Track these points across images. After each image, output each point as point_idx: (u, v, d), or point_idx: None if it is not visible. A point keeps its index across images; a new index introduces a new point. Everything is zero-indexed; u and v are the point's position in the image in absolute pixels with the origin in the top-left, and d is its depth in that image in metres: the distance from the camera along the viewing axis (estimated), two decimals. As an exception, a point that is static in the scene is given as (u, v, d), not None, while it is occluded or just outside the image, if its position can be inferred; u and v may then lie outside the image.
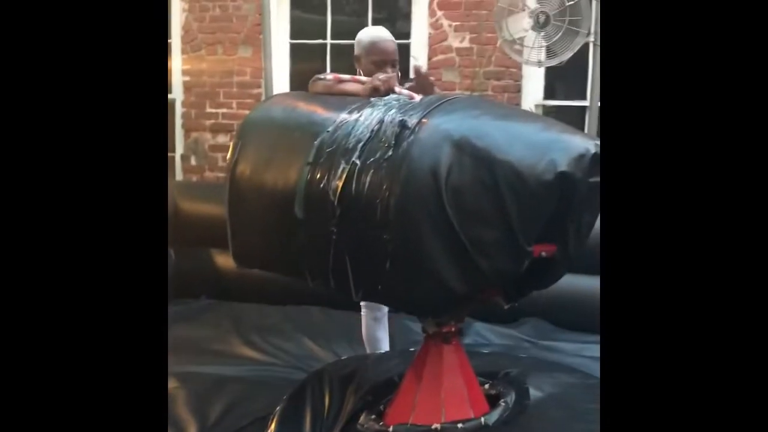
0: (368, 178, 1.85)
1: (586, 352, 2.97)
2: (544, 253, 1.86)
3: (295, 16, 4.43)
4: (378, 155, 1.87)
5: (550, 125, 1.89)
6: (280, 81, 4.33)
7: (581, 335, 3.13)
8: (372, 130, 1.92)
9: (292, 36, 4.41)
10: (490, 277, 1.80)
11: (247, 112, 4.46)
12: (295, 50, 4.40)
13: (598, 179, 1.78)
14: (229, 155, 2.21)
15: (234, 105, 4.41)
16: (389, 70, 2.42)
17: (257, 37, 4.25)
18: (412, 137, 1.84)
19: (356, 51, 2.56)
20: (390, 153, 1.85)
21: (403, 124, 1.87)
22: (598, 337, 3.04)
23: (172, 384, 2.60)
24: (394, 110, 1.94)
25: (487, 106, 1.88)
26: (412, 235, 1.78)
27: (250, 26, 4.33)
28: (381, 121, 1.93)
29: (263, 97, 4.33)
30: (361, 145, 1.91)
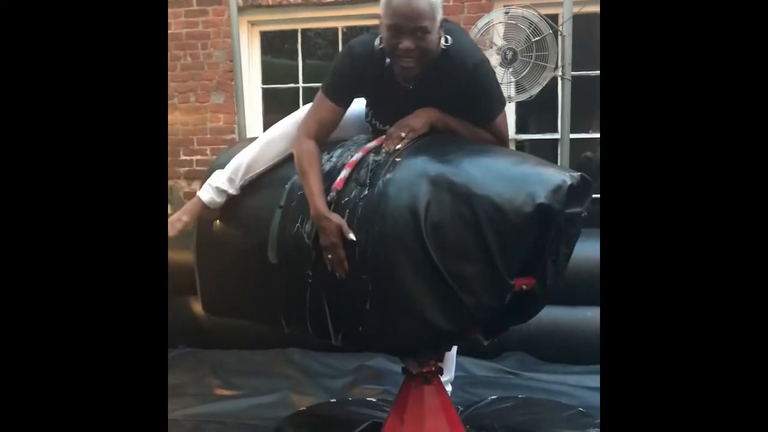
0: (344, 219, 1.85)
1: (568, 381, 2.96)
2: (524, 287, 1.87)
3: (266, 61, 4.46)
4: (353, 195, 1.87)
5: (524, 159, 1.91)
6: (254, 126, 4.34)
7: (563, 366, 3.12)
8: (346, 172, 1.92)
9: (264, 81, 4.44)
10: (474, 312, 1.79)
11: (221, 157, 4.49)
12: (267, 95, 4.43)
13: (574, 210, 1.80)
14: None
15: (208, 152, 4.41)
16: (410, 40, 1.82)
17: (229, 83, 4.28)
18: (387, 176, 1.84)
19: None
20: (366, 192, 1.85)
21: (378, 165, 1.88)
22: (579, 368, 3.07)
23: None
24: (367, 150, 1.95)
25: (460, 143, 1.90)
26: (392, 274, 1.78)
27: (222, 73, 4.36)
28: (354, 162, 1.93)
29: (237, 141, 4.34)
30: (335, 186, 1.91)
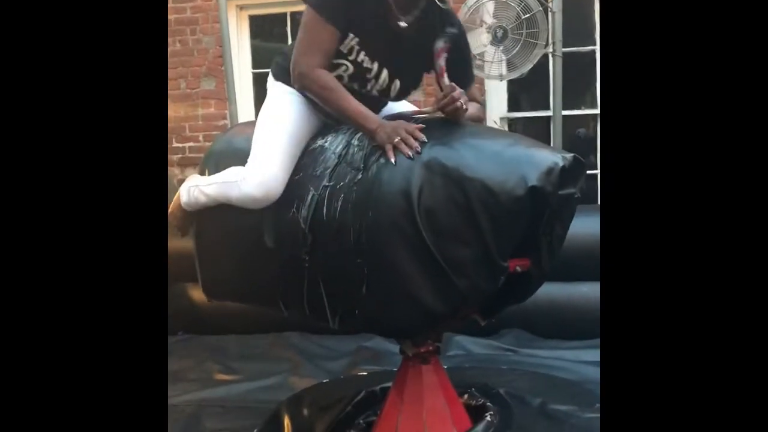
0: (339, 204, 1.86)
1: (566, 357, 3.00)
2: (518, 268, 1.88)
3: (256, 45, 4.44)
4: (347, 180, 1.87)
5: (517, 141, 1.91)
6: (245, 111, 4.33)
7: (561, 342, 3.16)
8: (339, 155, 1.92)
9: (254, 66, 4.42)
10: (468, 295, 1.81)
11: (213, 143, 4.49)
12: (258, 79, 4.42)
13: (568, 191, 1.81)
14: None
15: (201, 138, 4.40)
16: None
17: (219, 69, 4.26)
18: (381, 160, 1.84)
19: None
20: (359, 177, 1.86)
21: (372, 148, 1.87)
22: (576, 342, 3.10)
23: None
24: (360, 133, 1.95)
25: (452, 126, 1.90)
26: (387, 259, 1.79)
27: (212, 59, 4.34)
28: (348, 145, 1.93)
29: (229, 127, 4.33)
30: (329, 170, 1.91)
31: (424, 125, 1.87)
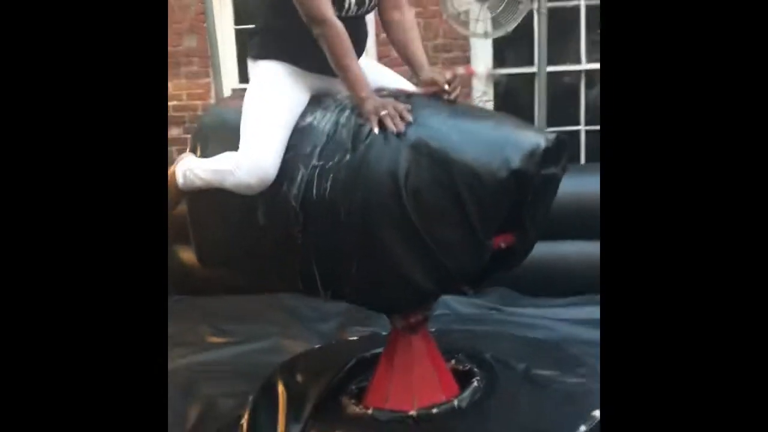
0: (329, 183, 1.90)
1: (548, 315, 3.10)
2: (503, 244, 1.94)
3: (238, 0, 4.37)
4: (336, 159, 1.90)
5: (502, 121, 1.94)
6: (228, 68, 4.29)
7: (544, 300, 3.25)
8: (328, 135, 1.94)
9: (237, 22, 4.36)
10: (456, 273, 1.88)
11: (197, 102, 4.45)
12: (240, 36, 4.36)
13: (550, 171, 1.86)
14: None
15: (184, 96, 4.37)
16: None
17: (201, 26, 4.20)
18: (368, 140, 1.87)
19: None
20: (348, 156, 1.89)
21: (360, 127, 1.90)
22: (559, 300, 3.19)
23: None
24: (347, 111, 1.97)
25: (439, 105, 1.92)
26: (376, 238, 1.84)
27: (194, 15, 4.27)
28: (336, 123, 1.96)
29: (212, 87, 4.30)
30: (318, 149, 1.93)
31: (410, 106, 1.89)
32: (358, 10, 2.01)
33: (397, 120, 1.84)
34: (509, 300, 3.28)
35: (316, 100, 2.06)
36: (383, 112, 1.85)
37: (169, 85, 4.39)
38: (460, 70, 1.98)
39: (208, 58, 4.13)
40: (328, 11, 1.88)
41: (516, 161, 1.76)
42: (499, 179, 1.77)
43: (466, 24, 3.63)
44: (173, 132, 4.41)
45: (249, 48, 2.10)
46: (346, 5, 1.97)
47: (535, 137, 1.82)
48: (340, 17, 1.92)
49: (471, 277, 1.93)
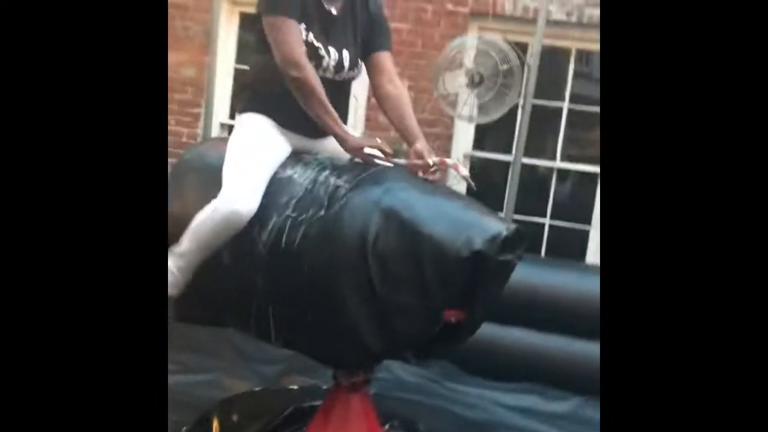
0: (299, 235, 1.99)
1: (487, 397, 3.17)
2: (453, 319, 2.04)
3: (243, 38, 4.51)
4: (310, 213, 2.00)
5: (470, 205, 2.07)
6: (221, 103, 4.39)
7: (485, 381, 3.32)
8: (306, 189, 2.05)
9: (238, 60, 4.49)
10: (406, 338, 1.97)
11: (184, 130, 4.53)
12: (239, 75, 4.48)
13: (506, 258, 1.98)
14: None
15: (173, 122, 4.44)
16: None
17: (202, 58, 4.31)
18: (344, 200, 1.98)
19: None
20: (322, 213, 1.99)
21: (337, 188, 2.01)
22: (500, 384, 3.25)
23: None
24: (327, 171, 2.08)
25: (416, 180, 2.05)
26: (335, 294, 1.93)
27: (197, 47, 4.40)
28: (314, 181, 2.06)
29: (202, 117, 4.39)
30: (294, 201, 2.03)
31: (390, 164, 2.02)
32: (335, 73, 2.16)
33: (381, 156, 2.03)
34: (451, 375, 3.34)
35: (298, 157, 2.17)
36: (367, 150, 2.01)
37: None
38: (450, 161, 2.12)
39: (202, 89, 4.23)
40: (302, 56, 2.03)
41: (478, 243, 1.88)
42: (461, 258, 1.89)
43: (453, 105, 3.81)
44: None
45: (238, 101, 2.23)
46: (324, 64, 2.13)
47: (497, 225, 1.95)
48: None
49: (418, 345, 2.02)
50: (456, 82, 3.70)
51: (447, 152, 4.24)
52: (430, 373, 3.32)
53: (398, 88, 2.24)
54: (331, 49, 2.15)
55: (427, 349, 2.12)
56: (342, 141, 2.08)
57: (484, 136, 4.45)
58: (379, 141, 2.11)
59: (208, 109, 3.96)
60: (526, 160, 4.05)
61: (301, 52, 2.04)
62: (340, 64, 2.17)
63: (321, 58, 2.13)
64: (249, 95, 2.20)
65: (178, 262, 2.07)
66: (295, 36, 2.05)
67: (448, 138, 4.28)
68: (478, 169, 4.43)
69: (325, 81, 2.10)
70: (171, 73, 4.37)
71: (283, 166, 2.12)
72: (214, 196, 2.03)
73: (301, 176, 2.08)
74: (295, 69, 2.03)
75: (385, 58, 2.25)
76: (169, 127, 4.42)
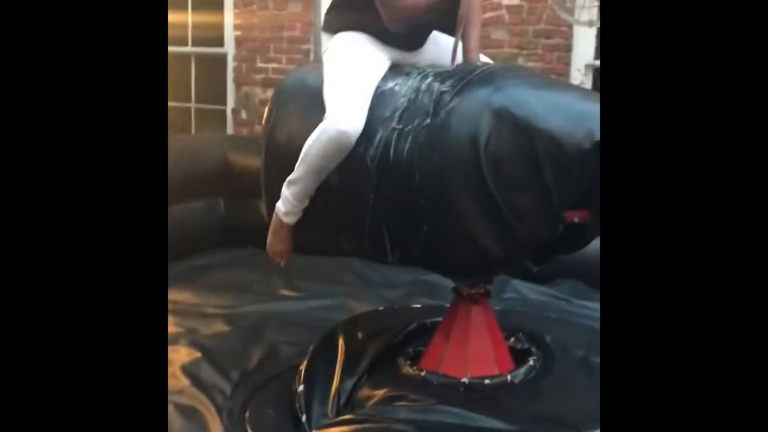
0: (407, 146, 1.92)
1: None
2: (576, 219, 1.92)
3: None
4: (416, 123, 1.93)
5: (587, 95, 1.93)
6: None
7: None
8: (409, 99, 1.97)
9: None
10: (526, 242, 1.88)
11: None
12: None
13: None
14: (264, 121, 2.25)
15: (284, 60, 4.48)
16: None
17: (307, -9, 4.30)
18: (450, 105, 1.89)
19: None
20: (428, 121, 1.91)
21: (442, 94, 1.92)
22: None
23: (218, 326, 2.82)
24: (430, 78, 1.99)
25: (525, 75, 1.93)
26: (450, 201, 1.86)
27: (301, -19, 4.38)
28: (417, 90, 1.98)
29: (312, 53, 4.39)
30: (398, 113, 1.96)
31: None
32: None
33: None
34: (581, 293, 3.22)
35: (398, 68, 2.09)
36: None
37: (270, 47, 4.52)
38: None
39: (310, 24, 4.23)
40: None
41: (600, 134, 1.74)
42: (582, 150, 1.76)
43: (571, 11, 3.56)
44: (270, 94, 4.54)
45: (325, 21, 2.15)
46: None
47: (620, 113, 1.79)
48: None
49: (540, 249, 1.93)
50: (571, -16, 3.45)
51: (566, 65, 4.01)
52: (559, 292, 3.21)
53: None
54: None
55: (548, 253, 2.02)
56: None
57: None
58: None
59: (317, 44, 3.96)
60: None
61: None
62: None
63: None
64: (338, 14, 2.12)
65: (292, 188, 2.06)
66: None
67: (567, 49, 4.04)
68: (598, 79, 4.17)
69: None
70: (278, 11, 4.39)
71: (384, 79, 2.05)
72: (319, 119, 2.00)
73: (403, 87, 2.01)
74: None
75: None
76: (282, 66, 4.48)
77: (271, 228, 2.18)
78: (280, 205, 2.10)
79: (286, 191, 2.08)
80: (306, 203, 2.08)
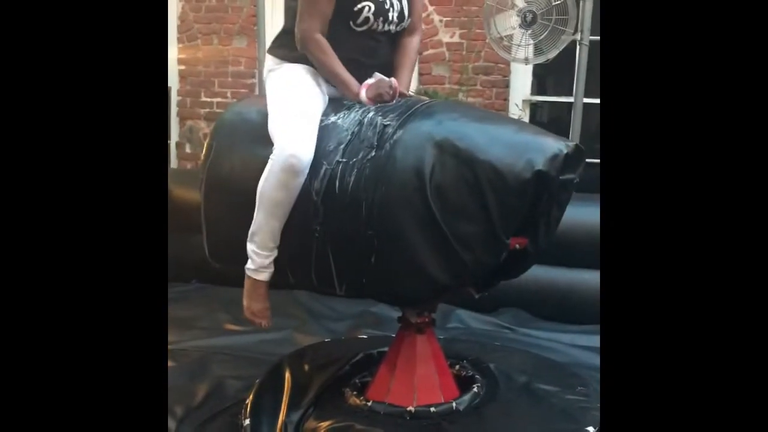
0: (352, 178, 1.95)
1: (561, 339, 3.10)
2: (518, 246, 1.98)
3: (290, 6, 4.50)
4: (360, 156, 1.96)
5: (524, 127, 2.01)
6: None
7: (558, 324, 3.25)
8: (352, 132, 2.01)
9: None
10: (472, 268, 1.92)
11: (241, 100, 4.59)
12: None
13: (568, 177, 1.91)
14: (203, 155, 2.23)
15: (228, 94, 4.50)
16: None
17: (252, 27, 4.34)
18: (394, 138, 1.94)
19: None
20: (373, 153, 1.95)
21: (385, 127, 1.97)
22: (573, 327, 3.18)
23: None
24: (372, 112, 2.04)
25: (464, 110, 2.00)
26: (397, 231, 1.89)
27: (245, 17, 4.42)
28: (360, 123, 2.02)
29: (257, 88, 4.42)
30: (342, 146, 1.99)
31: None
32: (397, 24, 2.14)
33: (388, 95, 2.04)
34: (523, 321, 3.28)
35: (339, 102, 2.13)
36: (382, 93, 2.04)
37: (215, 81, 4.54)
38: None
39: (255, 59, 4.26)
40: (312, 29, 2.05)
41: (539, 163, 1.82)
42: (522, 179, 1.83)
43: (508, 48, 3.70)
44: (214, 128, 4.54)
45: (273, 44, 2.19)
46: (389, 17, 2.11)
47: (557, 143, 1.88)
48: (365, 31, 2.08)
49: (484, 274, 1.98)
50: (508, 24, 3.60)
51: (505, 100, 4.14)
52: (502, 320, 3.26)
53: (411, 40, 2.24)
54: (390, 0, 2.12)
55: (491, 278, 2.07)
56: (357, 98, 2.08)
57: (542, 80, 4.32)
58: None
59: (260, 79, 3.98)
60: (588, 100, 3.91)
61: (314, 30, 2.06)
62: (401, 14, 2.15)
63: (386, 11, 2.11)
64: (286, 42, 2.16)
65: (256, 240, 2.03)
66: (320, 9, 2.05)
67: (505, 85, 4.18)
68: (539, 114, 4.32)
69: (387, 35, 2.13)
70: (224, 46, 4.42)
71: (326, 113, 2.09)
72: (259, 153, 2.02)
73: (345, 120, 2.05)
74: (301, 43, 2.08)
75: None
76: (226, 100, 4.49)
77: (246, 289, 2.12)
78: (249, 264, 2.07)
79: (250, 247, 2.04)
80: (275, 252, 2.04)
